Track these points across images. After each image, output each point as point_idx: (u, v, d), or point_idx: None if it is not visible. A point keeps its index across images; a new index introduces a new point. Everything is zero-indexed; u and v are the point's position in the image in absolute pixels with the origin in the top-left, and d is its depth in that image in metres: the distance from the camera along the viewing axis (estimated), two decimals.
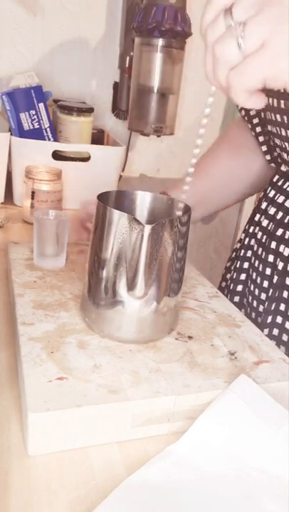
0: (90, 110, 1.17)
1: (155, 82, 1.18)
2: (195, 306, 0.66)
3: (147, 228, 0.50)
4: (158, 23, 1.10)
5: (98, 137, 1.27)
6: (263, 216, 0.76)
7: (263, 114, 0.72)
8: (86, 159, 1.14)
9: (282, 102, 0.66)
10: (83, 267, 0.72)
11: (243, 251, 0.82)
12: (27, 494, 0.39)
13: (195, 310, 0.65)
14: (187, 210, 0.56)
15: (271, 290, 0.74)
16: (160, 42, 1.14)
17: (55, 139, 1.17)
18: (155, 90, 1.19)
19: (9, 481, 0.41)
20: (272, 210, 0.75)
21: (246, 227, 0.81)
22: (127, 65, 1.38)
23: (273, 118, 0.70)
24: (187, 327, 0.60)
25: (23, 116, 1.13)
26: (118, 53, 1.43)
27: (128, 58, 1.37)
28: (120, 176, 1.31)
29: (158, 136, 1.36)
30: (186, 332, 0.59)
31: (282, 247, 0.72)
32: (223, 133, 0.91)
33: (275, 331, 0.74)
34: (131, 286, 0.52)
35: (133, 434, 0.46)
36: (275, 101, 0.68)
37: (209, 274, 0.91)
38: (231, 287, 0.84)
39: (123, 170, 1.52)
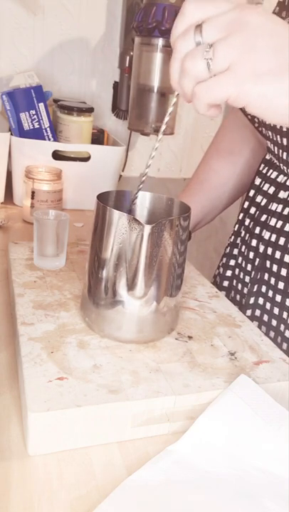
0: (90, 110, 1.17)
1: (155, 82, 1.18)
2: (195, 306, 0.66)
3: (147, 228, 0.50)
4: (158, 22, 1.10)
5: (98, 137, 1.27)
6: (251, 203, 0.80)
7: None
8: (86, 159, 1.14)
9: None
10: (83, 267, 0.72)
11: (233, 237, 0.86)
12: (27, 494, 0.39)
13: (195, 310, 0.65)
14: (187, 209, 0.57)
15: (253, 273, 0.77)
16: (160, 41, 1.13)
17: (55, 139, 1.17)
18: (155, 90, 1.19)
19: (10, 481, 0.41)
20: (258, 198, 0.78)
21: (238, 215, 0.86)
22: (127, 65, 1.38)
23: None
24: (187, 327, 0.60)
25: (23, 116, 1.13)
26: (118, 53, 1.43)
27: (128, 58, 1.37)
28: (120, 176, 1.31)
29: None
30: (186, 332, 0.59)
31: (264, 232, 0.75)
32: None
33: (258, 312, 0.77)
34: (131, 286, 0.52)
35: (133, 434, 0.46)
36: None
37: (209, 274, 0.91)
38: (221, 272, 0.87)
39: (123, 170, 1.52)
